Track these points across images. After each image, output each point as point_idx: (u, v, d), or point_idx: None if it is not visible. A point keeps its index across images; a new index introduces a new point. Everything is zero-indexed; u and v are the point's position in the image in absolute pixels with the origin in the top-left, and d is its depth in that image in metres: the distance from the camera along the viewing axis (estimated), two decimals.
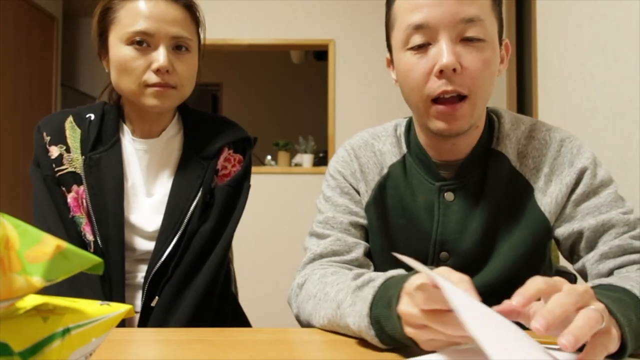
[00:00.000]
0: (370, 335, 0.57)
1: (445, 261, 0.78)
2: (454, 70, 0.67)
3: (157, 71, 0.88)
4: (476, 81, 0.68)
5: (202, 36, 0.98)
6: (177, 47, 0.90)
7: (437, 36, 0.68)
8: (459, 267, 0.77)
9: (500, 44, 0.74)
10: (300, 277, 0.75)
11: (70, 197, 0.91)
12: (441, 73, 0.67)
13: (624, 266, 0.68)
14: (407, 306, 0.51)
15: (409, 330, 0.52)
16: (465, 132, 0.74)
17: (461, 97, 0.69)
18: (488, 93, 0.71)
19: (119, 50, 0.88)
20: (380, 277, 0.60)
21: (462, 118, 0.70)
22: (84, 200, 0.90)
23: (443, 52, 0.66)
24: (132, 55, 0.87)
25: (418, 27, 0.68)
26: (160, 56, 0.87)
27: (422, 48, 0.69)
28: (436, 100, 0.70)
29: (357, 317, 0.58)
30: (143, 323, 0.90)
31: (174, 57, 0.90)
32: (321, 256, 0.77)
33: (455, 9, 0.66)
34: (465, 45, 0.68)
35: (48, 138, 0.93)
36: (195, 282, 0.91)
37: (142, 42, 0.87)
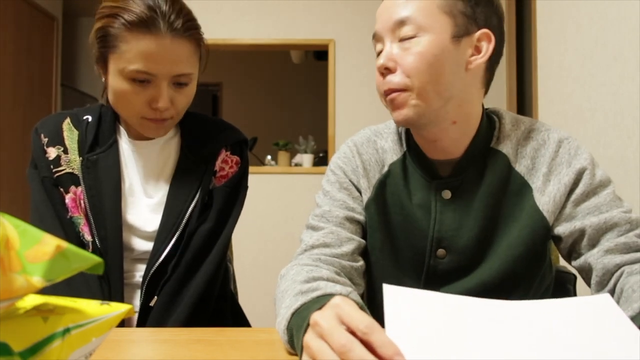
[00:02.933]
0: (283, 339, 0.58)
1: (442, 258, 0.78)
2: (389, 69, 0.73)
3: (156, 108, 0.87)
4: (410, 76, 0.72)
5: (203, 58, 0.94)
6: (177, 82, 0.88)
7: (384, 41, 0.76)
8: (456, 265, 0.78)
9: (467, 35, 0.73)
10: (284, 269, 0.75)
11: (68, 198, 0.91)
12: (382, 74, 0.75)
13: (631, 263, 0.68)
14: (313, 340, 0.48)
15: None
16: (437, 125, 0.75)
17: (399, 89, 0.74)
18: (440, 83, 0.72)
19: (118, 82, 0.85)
20: (323, 288, 0.60)
21: (407, 106, 0.73)
22: (82, 201, 0.90)
23: (383, 53, 0.75)
24: (132, 90, 0.85)
25: (375, 36, 0.78)
26: (160, 97, 0.85)
27: (380, 54, 0.77)
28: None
29: (280, 317, 0.60)
30: (141, 323, 0.90)
31: (174, 91, 0.88)
32: (312, 247, 0.77)
33: (390, 13, 0.75)
34: (401, 45, 0.74)
35: (46, 139, 0.93)
36: (194, 281, 0.91)
37: (143, 80, 0.84)
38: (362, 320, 0.45)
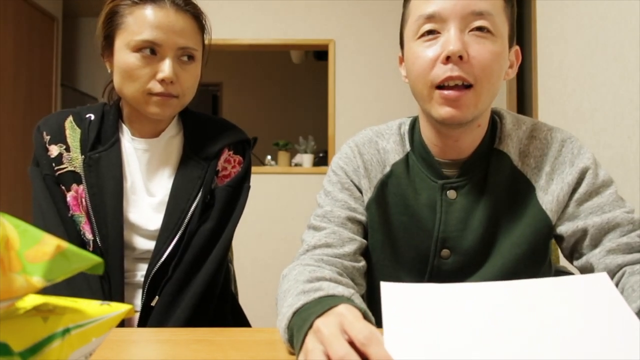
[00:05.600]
0: (284, 337, 0.58)
1: (447, 258, 0.79)
2: (461, 57, 0.68)
3: (162, 81, 0.88)
4: (482, 71, 0.69)
5: (206, 43, 0.99)
6: (182, 57, 0.91)
7: (446, 26, 0.69)
8: (460, 265, 0.78)
9: (510, 48, 0.75)
10: (287, 269, 0.75)
11: (69, 196, 0.91)
12: (447, 59, 0.68)
13: (633, 263, 0.68)
14: (313, 343, 0.49)
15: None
16: (468, 126, 0.75)
17: (466, 87, 0.70)
18: (494, 87, 0.72)
19: (125, 56, 0.88)
20: (326, 289, 0.59)
21: (466, 107, 0.70)
22: (84, 200, 0.91)
23: (451, 39, 0.68)
24: (138, 64, 0.87)
25: (429, 17, 0.70)
26: (165, 67, 0.88)
27: (431, 34, 0.71)
28: (441, 87, 0.70)
29: (282, 316, 0.59)
30: (143, 323, 0.90)
31: (179, 67, 0.90)
32: (314, 247, 0.77)
33: (467, 2, 0.69)
34: (473, 36, 0.69)
35: (48, 137, 0.93)
36: (195, 281, 0.91)
37: (149, 50, 0.87)
38: (362, 330, 0.46)
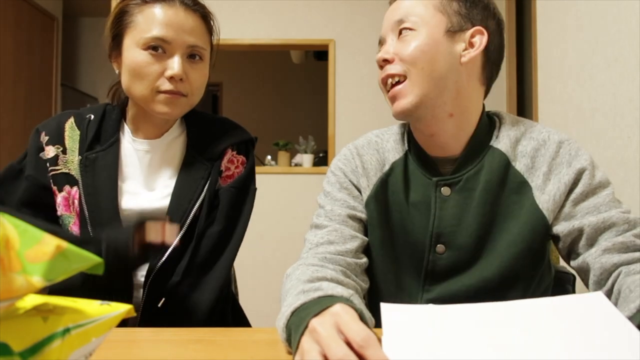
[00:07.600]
0: (282, 337, 0.58)
1: (442, 254, 0.80)
2: (386, 60, 0.79)
3: (171, 79, 0.88)
4: (411, 64, 0.77)
5: (214, 44, 0.99)
6: (191, 55, 0.91)
7: (386, 40, 0.82)
8: (455, 260, 0.80)
9: (462, 32, 0.78)
10: (290, 268, 0.75)
11: (60, 197, 0.91)
12: (384, 62, 0.80)
13: (629, 263, 0.68)
14: (309, 343, 0.49)
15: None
16: (433, 117, 0.79)
17: (399, 81, 0.79)
18: (432, 72, 0.77)
19: (134, 54, 0.88)
20: (325, 289, 0.59)
21: (404, 96, 0.78)
22: (75, 200, 0.90)
23: (382, 50, 0.81)
24: (147, 61, 0.87)
25: (380, 41, 0.84)
26: (175, 64, 0.88)
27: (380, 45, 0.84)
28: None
29: (281, 315, 0.59)
30: (143, 322, 0.90)
31: (188, 66, 0.90)
32: (317, 245, 0.78)
33: (391, 14, 0.82)
34: (400, 39, 0.79)
35: (46, 138, 0.93)
36: (207, 286, 0.91)
37: (158, 48, 0.87)
38: (359, 332, 0.46)
